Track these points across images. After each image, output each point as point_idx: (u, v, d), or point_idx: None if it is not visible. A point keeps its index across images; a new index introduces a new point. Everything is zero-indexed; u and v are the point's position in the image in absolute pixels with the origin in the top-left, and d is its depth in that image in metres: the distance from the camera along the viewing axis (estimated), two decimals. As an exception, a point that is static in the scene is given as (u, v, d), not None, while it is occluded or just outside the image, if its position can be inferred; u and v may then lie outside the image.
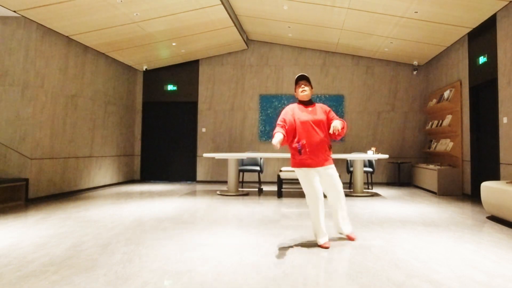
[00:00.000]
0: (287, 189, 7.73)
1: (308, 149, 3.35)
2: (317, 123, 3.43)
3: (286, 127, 3.34)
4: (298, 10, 6.84)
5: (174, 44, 8.04)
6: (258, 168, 7.81)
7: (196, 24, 7.14)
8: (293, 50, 9.34)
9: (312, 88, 3.61)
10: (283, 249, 3.22)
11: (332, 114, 3.55)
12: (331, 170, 3.47)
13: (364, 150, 8.89)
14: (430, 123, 8.41)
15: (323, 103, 9.13)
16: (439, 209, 5.39)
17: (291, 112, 3.46)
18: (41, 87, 6.11)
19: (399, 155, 9.00)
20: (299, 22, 7.54)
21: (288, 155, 6.78)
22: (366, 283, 2.41)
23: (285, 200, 6.17)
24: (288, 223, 4.37)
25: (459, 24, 6.35)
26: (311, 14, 6.96)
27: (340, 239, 3.59)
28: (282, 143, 3.23)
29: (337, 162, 8.95)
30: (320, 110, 3.51)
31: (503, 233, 3.88)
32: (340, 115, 9.09)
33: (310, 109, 3.50)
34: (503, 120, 5.58)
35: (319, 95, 9.17)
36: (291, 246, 3.30)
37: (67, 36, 6.73)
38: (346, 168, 8.09)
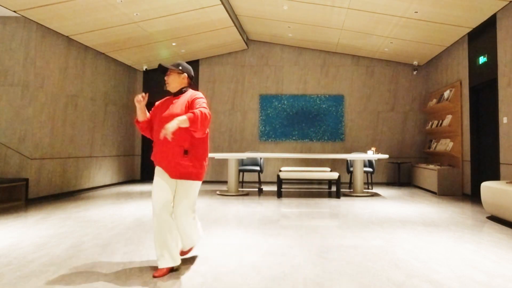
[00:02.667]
0: (286, 189, 7.73)
1: (156, 152, 2.69)
2: (171, 119, 2.57)
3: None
4: (298, 10, 6.84)
5: (174, 44, 8.04)
6: (258, 168, 7.81)
7: (196, 24, 7.14)
8: (293, 50, 9.34)
9: (181, 72, 2.83)
10: (283, 249, 3.22)
11: (197, 103, 2.67)
12: (185, 184, 2.68)
13: (364, 150, 8.88)
14: (430, 123, 8.41)
15: (323, 103, 9.14)
16: (439, 209, 5.39)
17: (156, 108, 2.86)
18: (41, 87, 6.11)
19: (399, 155, 9.00)
20: (299, 22, 7.54)
21: (289, 155, 6.80)
22: (366, 283, 2.41)
23: (284, 200, 6.17)
24: (288, 223, 4.37)
25: (459, 24, 6.35)
26: (311, 14, 6.96)
27: (339, 239, 3.59)
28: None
29: (337, 162, 8.98)
30: (183, 102, 2.73)
31: (503, 233, 3.88)
32: (340, 115, 9.10)
33: (175, 101, 2.78)
34: (503, 120, 5.58)
35: (319, 95, 9.18)
36: (291, 246, 3.30)
37: (67, 36, 6.73)
38: (346, 168, 8.09)
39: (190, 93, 2.79)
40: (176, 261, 2.63)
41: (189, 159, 2.65)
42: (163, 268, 2.58)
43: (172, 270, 2.64)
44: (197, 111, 2.53)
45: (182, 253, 2.89)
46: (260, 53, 9.39)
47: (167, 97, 2.89)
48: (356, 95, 9.16)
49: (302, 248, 3.25)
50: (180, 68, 2.82)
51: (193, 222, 2.77)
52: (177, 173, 2.65)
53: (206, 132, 2.71)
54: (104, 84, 8.05)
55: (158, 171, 2.69)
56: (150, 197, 6.46)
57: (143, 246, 3.28)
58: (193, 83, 2.94)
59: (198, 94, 2.77)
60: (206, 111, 2.58)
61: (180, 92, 2.84)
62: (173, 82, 2.83)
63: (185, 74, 2.84)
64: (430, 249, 3.23)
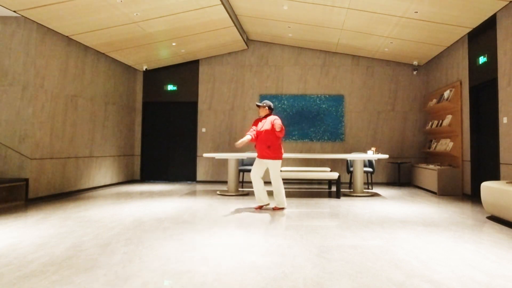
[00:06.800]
0: (286, 189, 7.73)
1: (256, 146, 5.31)
2: (264, 131, 5.21)
3: (255, 133, 5.28)
4: (298, 10, 6.84)
5: (174, 44, 8.04)
6: (258, 168, 7.80)
7: (196, 24, 7.14)
8: (293, 50, 9.34)
9: (265, 107, 5.30)
10: (283, 249, 3.22)
11: (275, 123, 5.02)
12: (269, 162, 5.20)
13: (364, 150, 8.89)
14: (430, 123, 8.41)
15: (323, 103, 9.17)
16: (439, 209, 5.39)
17: (256, 123, 5.39)
18: (41, 87, 6.11)
19: (399, 155, 9.00)
20: (299, 22, 7.54)
21: (289, 155, 6.82)
22: (366, 283, 2.41)
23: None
24: (288, 223, 4.37)
25: (459, 24, 6.35)
26: (311, 14, 6.96)
27: (339, 239, 3.60)
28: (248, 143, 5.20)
29: (337, 162, 8.98)
30: (269, 121, 5.19)
31: (503, 233, 3.88)
32: (340, 115, 9.12)
33: (263, 120, 5.29)
34: (503, 120, 5.58)
35: (319, 95, 9.18)
36: (291, 246, 3.30)
37: (67, 36, 6.73)
38: (346, 168, 8.09)
39: (270, 117, 5.25)
40: (264, 202, 5.33)
41: (271, 150, 5.13)
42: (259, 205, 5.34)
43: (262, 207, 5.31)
44: (279, 127, 4.97)
45: (276, 208, 5.29)
46: (260, 53, 9.39)
47: (260, 117, 5.35)
48: (356, 95, 9.16)
49: (302, 248, 3.25)
50: (264, 104, 5.30)
51: (282, 185, 5.30)
52: (267, 156, 5.18)
53: (281, 136, 5.09)
54: (104, 84, 8.05)
55: (257, 158, 5.29)
56: (151, 197, 6.47)
57: (143, 246, 3.28)
58: (272, 111, 5.35)
59: (276, 117, 5.21)
60: (280, 125, 4.95)
61: (265, 116, 5.28)
62: (262, 112, 5.33)
63: (267, 107, 5.30)
64: (430, 249, 3.22)
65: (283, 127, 5.01)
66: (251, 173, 5.27)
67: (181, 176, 9.44)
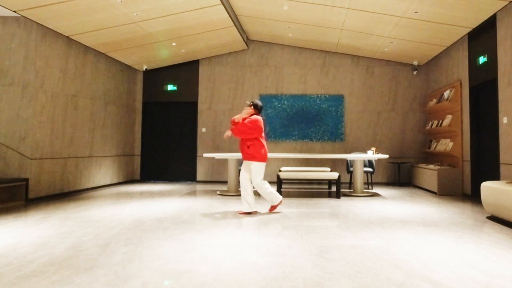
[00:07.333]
0: (286, 189, 7.73)
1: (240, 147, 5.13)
2: None
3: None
4: (298, 10, 6.84)
5: (174, 44, 8.04)
6: (258, 168, 7.80)
7: (196, 24, 7.14)
8: (293, 50, 9.34)
9: (251, 107, 5.04)
10: (283, 249, 3.22)
11: (244, 121, 4.96)
12: (247, 163, 4.99)
13: (364, 150, 8.88)
14: (430, 123, 8.41)
15: (323, 103, 9.17)
16: (439, 209, 5.39)
17: None
18: (41, 87, 6.11)
19: (399, 155, 9.00)
20: (299, 22, 7.54)
21: (289, 155, 6.83)
22: (366, 283, 2.41)
23: (284, 200, 6.15)
24: (288, 223, 4.37)
25: (459, 24, 6.35)
26: (311, 14, 6.96)
27: (339, 239, 3.59)
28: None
29: (337, 162, 8.98)
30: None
31: (503, 233, 3.88)
32: (340, 115, 9.12)
33: (248, 119, 5.06)
34: (503, 120, 5.58)
35: (319, 95, 9.18)
36: (291, 246, 3.30)
37: (67, 36, 6.73)
38: (346, 168, 8.09)
39: (254, 116, 4.97)
40: (253, 209, 4.90)
41: (250, 150, 4.87)
42: (244, 211, 4.89)
43: (249, 213, 4.86)
44: (236, 127, 4.90)
45: (272, 207, 5.07)
46: (260, 53, 9.39)
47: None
48: (356, 95, 9.16)
49: (302, 248, 3.25)
50: (251, 103, 5.08)
51: (264, 187, 4.92)
52: (245, 157, 4.97)
53: (261, 136, 4.93)
54: (104, 84, 8.05)
55: (243, 160, 5.02)
56: (151, 197, 6.47)
57: (143, 246, 3.28)
58: (258, 111, 5.06)
59: (253, 117, 4.93)
60: (242, 126, 4.85)
61: (251, 115, 5.01)
62: (249, 110, 5.07)
63: (252, 107, 5.03)
64: (430, 249, 3.23)
65: (246, 128, 4.80)
66: (240, 177, 4.98)
67: (181, 176, 9.44)
